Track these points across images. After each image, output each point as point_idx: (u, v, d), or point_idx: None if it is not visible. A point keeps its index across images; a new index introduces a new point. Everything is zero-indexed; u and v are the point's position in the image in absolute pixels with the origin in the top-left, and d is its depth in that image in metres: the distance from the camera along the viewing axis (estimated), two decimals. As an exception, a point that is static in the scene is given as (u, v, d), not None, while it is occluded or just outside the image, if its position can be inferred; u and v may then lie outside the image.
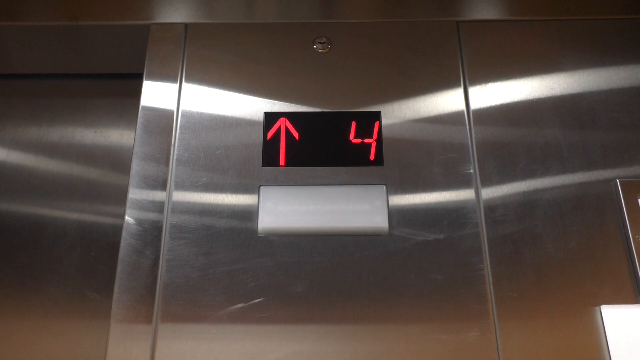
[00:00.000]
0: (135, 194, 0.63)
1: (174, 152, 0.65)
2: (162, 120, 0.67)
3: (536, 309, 0.57)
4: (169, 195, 0.63)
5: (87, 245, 0.74)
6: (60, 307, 0.71)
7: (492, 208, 0.62)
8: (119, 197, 0.74)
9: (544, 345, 0.56)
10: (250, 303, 0.57)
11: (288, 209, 0.61)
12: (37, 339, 0.69)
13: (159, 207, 0.62)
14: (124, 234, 0.61)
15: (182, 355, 0.55)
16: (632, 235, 0.60)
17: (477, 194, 0.63)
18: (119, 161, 0.78)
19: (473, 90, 0.69)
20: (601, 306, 0.57)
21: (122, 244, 0.60)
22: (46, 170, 0.79)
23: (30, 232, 0.75)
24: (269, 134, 0.65)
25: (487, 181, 0.63)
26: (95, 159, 0.79)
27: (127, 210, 0.62)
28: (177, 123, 0.67)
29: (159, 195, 0.63)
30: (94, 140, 0.80)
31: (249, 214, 0.61)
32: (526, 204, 0.62)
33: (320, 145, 0.64)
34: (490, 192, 0.63)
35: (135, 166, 0.64)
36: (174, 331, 0.56)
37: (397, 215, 0.61)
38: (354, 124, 0.65)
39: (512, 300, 0.57)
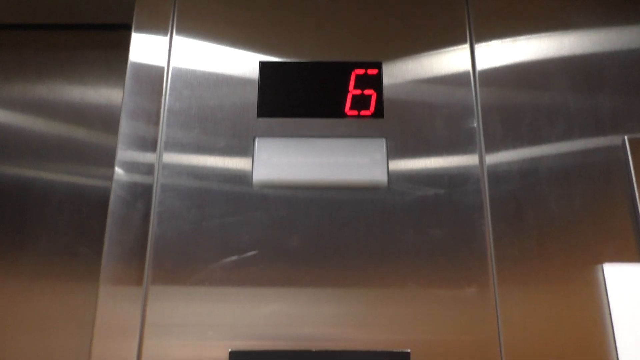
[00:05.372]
0: (125, 143, 0.60)
1: (166, 101, 0.62)
2: (152, 71, 0.64)
3: (537, 267, 0.56)
4: (161, 146, 0.60)
5: (77, 203, 0.72)
6: (51, 264, 0.70)
7: (495, 165, 0.60)
8: (111, 153, 0.72)
9: (543, 302, 0.55)
10: (244, 256, 0.56)
11: (284, 161, 0.59)
12: (27, 296, 0.68)
13: (149, 158, 0.60)
14: (113, 186, 0.59)
15: (174, 301, 0.54)
16: (638, 192, 0.58)
17: (480, 149, 0.61)
18: (109, 114, 0.76)
19: (479, 45, 0.66)
20: (603, 264, 0.56)
21: (112, 197, 0.58)
22: (33, 129, 0.76)
23: (18, 191, 0.73)
24: (265, 84, 0.63)
25: (490, 137, 0.61)
26: (85, 114, 0.77)
27: (117, 161, 0.60)
28: (169, 70, 0.64)
29: (150, 146, 0.60)
30: (83, 94, 0.77)
31: (243, 166, 0.59)
32: (531, 162, 0.60)
33: (319, 96, 0.62)
34: (493, 148, 0.61)
35: (126, 109, 0.61)
36: (166, 284, 0.55)
37: (396, 169, 0.59)
38: (353, 75, 0.62)
39: (513, 258, 0.56)
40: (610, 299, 0.54)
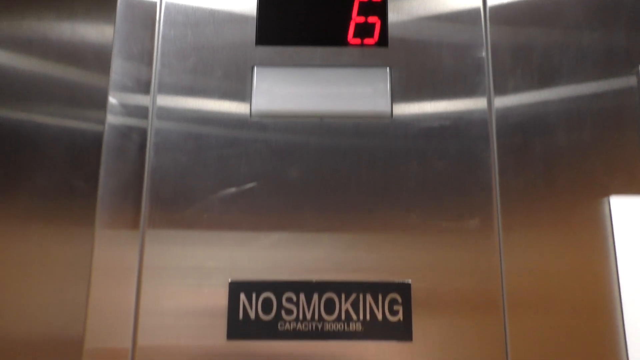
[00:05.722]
0: (119, 74, 0.58)
1: (160, 28, 0.59)
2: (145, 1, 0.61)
3: (542, 199, 0.55)
4: (156, 75, 0.58)
5: (72, 139, 0.70)
6: (47, 205, 0.68)
7: (503, 95, 0.58)
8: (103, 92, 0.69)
9: (548, 235, 0.54)
10: (243, 187, 0.54)
11: (284, 90, 0.56)
12: (22, 238, 0.67)
13: (144, 87, 0.58)
14: (108, 116, 0.57)
15: (172, 244, 0.53)
16: (650, 124, 0.56)
17: (488, 78, 0.58)
18: (102, 48, 0.73)
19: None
20: (610, 196, 0.55)
21: (107, 128, 0.56)
22: (18, 67, 0.73)
23: (11, 129, 0.71)
24: (264, 10, 0.60)
25: (499, 66, 0.59)
26: (77, 49, 0.73)
27: (111, 91, 0.57)
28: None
29: (144, 75, 0.58)
30: (74, 28, 0.74)
31: (242, 96, 0.57)
32: (540, 93, 0.58)
33: (320, 23, 0.59)
34: (502, 79, 0.58)
35: (118, 42, 0.59)
36: (163, 227, 0.54)
37: (400, 100, 0.57)
38: (357, 1, 0.59)
39: (517, 190, 0.55)
40: (616, 232, 0.54)
